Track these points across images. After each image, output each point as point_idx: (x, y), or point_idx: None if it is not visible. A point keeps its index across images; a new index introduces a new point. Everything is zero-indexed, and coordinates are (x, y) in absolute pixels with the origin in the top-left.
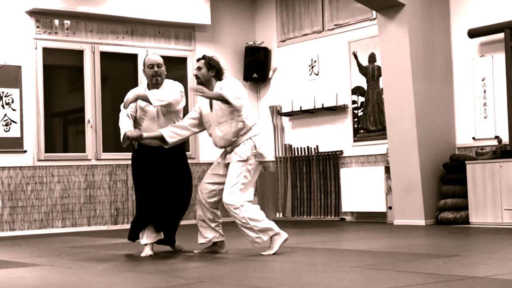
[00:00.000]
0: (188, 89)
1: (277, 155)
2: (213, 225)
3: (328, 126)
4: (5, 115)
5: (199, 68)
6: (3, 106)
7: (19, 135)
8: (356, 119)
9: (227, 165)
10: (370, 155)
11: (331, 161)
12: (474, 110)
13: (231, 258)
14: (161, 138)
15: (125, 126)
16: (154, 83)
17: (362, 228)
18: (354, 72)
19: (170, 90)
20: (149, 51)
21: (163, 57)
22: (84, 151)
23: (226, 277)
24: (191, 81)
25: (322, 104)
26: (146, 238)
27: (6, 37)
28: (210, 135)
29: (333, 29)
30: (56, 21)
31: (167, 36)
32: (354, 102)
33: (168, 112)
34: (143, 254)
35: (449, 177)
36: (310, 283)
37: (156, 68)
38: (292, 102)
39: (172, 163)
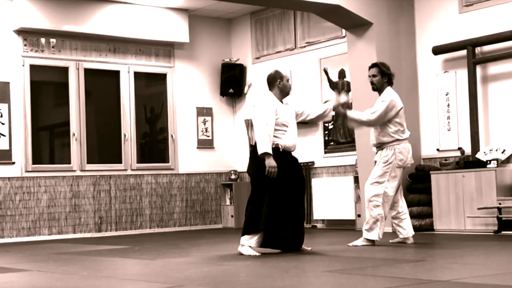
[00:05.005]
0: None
1: None
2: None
3: (300, 139)
4: None
5: (373, 76)
6: None
7: (7, 148)
8: (326, 132)
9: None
10: (340, 166)
11: (304, 172)
12: (438, 123)
13: (209, 261)
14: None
15: None
16: (288, 94)
17: (333, 235)
18: (325, 87)
19: None
20: (131, 68)
21: (143, 73)
22: (69, 163)
23: (203, 281)
24: (171, 96)
25: None
26: (253, 241)
27: None
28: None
29: (304, 46)
30: (43, 40)
31: (147, 53)
32: None
33: None
34: (247, 253)
35: (415, 187)
36: (283, 287)
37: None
38: None
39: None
